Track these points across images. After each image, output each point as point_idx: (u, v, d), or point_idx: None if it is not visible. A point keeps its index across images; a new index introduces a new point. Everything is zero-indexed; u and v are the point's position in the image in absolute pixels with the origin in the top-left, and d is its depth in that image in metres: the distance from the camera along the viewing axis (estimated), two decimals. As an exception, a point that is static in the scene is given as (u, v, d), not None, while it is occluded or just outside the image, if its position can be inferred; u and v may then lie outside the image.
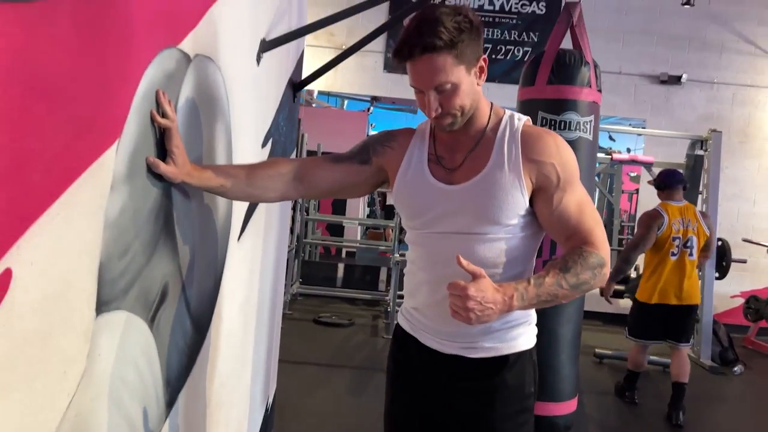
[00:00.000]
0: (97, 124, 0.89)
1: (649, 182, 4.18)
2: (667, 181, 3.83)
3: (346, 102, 9.76)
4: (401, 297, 6.15)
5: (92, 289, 0.92)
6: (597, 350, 4.87)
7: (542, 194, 1.24)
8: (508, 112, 1.32)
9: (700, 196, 5.33)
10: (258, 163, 1.40)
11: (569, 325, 2.35)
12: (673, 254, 3.72)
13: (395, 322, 5.19)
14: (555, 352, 2.33)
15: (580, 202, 1.24)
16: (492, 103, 1.32)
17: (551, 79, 2.21)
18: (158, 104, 1.09)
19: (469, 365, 1.31)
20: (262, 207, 2.05)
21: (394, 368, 1.45)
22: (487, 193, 1.23)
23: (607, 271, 1.19)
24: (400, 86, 6.43)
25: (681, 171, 5.36)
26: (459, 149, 1.30)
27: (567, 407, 2.32)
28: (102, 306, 0.96)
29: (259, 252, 2.12)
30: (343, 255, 8.16)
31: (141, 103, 1.03)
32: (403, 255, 5.47)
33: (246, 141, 1.78)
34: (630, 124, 6.60)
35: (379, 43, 6.28)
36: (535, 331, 1.37)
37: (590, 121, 2.24)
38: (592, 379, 4.36)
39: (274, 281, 2.46)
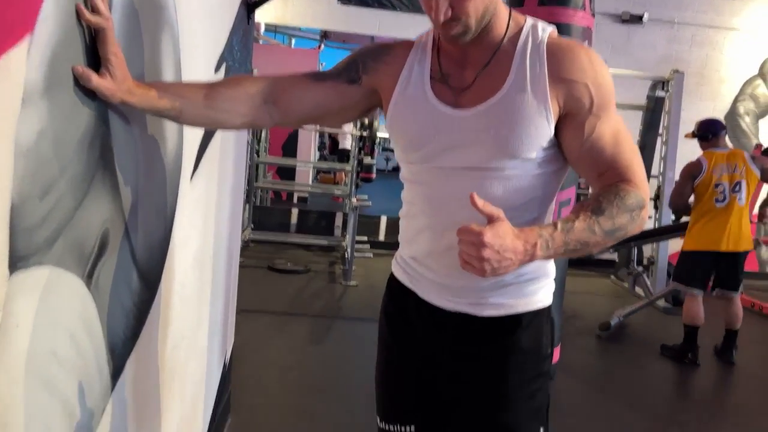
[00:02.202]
0: (-5, 8, 0.63)
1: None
2: (712, 129, 3.81)
3: (293, 40, 9.31)
4: (360, 242, 5.94)
5: (2, 239, 0.68)
6: (614, 318, 4.29)
7: (571, 121, 1.03)
8: (530, 20, 1.09)
9: (659, 138, 5.30)
10: (218, 81, 1.14)
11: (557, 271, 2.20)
12: (719, 201, 3.67)
13: (353, 268, 5.02)
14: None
15: (616, 132, 1.03)
16: (511, 9, 1.09)
17: (543, -1, 1.99)
18: (85, -5, 0.82)
19: (478, 325, 1.13)
20: (216, 141, 1.79)
21: (387, 326, 1.26)
22: (505, 119, 1.01)
23: (646, 214, 1.01)
24: (355, 20, 6.07)
25: (643, 113, 5.31)
26: (469, 65, 1.07)
27: (551, 356, 2.22)
28: (18, 261, 0.72)
29: (213, 194, 1.87)
30: (295, 200, 7.89)
31: (61, -11, 0.76)
32: (360, 199, 5.26)
33: (197, 61, 1.50)
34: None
35: (334, -29, 5.86)
36: (553, 286, 1.19)
37: (586, 49, 2.04)
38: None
39: (230, 227, 2.22)
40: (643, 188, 1.01)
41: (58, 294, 0.85)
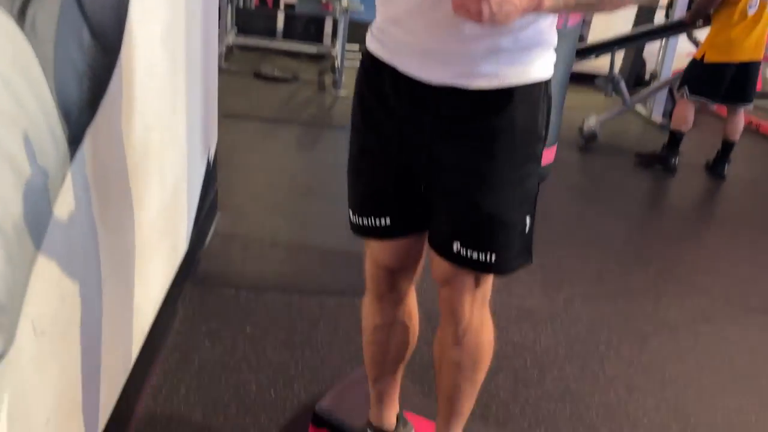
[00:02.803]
0: None
1: None
2: None
3: None
4: (350, 51, 5.60)
5: None
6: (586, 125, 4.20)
7: None
8: None
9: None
10: None
11: (560, 65, 2.01)
12: (751, 7, 3.38)
13: (343, 78, 4.75)
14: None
15: None
16: None
17: None
18: None
19: (465, 100, 0.98)
20: None
21: (360, 110, 1.11)
22: None
23: None
24: None
25: None
26: None
27: (545, 156, 2.12)
28: None
29: (181, -37, 1.64)
30: (281, 7, 7.34)
31: None
32: (350, 1, 4.86)
33: None
34: None
35: None
36: (553, 58, 1.03)
37: None
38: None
39: (205, 12, 2.00)
40: None
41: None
